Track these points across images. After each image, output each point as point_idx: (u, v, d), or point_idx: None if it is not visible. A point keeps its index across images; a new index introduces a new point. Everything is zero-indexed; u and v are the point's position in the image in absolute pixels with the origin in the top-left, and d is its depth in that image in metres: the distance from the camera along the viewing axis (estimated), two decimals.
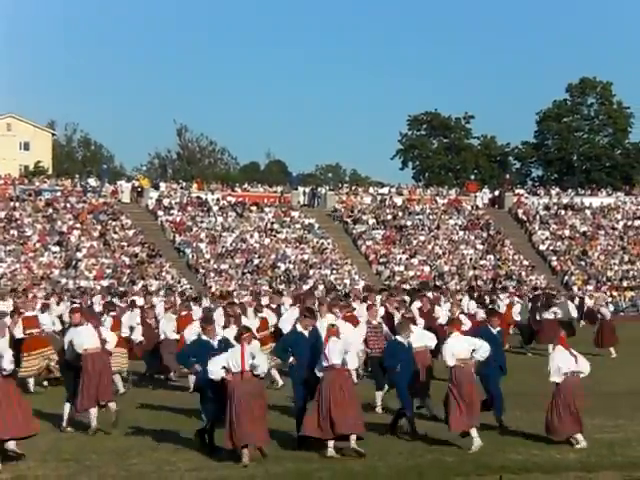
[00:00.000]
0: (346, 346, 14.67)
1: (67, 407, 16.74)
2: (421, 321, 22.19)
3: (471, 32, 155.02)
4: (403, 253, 65.30)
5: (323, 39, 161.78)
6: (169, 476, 13.09)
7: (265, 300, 29.60)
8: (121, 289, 46.55)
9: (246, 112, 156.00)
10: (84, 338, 16.47)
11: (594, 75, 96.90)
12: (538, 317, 31.79)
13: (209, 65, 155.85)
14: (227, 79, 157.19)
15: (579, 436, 14.90)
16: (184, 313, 22.88)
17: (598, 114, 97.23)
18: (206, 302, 31.05)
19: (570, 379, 15.07)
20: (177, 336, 21.93)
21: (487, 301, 33.61)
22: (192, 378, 21.50)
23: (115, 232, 61.38)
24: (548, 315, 31.59)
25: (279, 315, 25.48)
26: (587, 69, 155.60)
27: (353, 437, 14.25)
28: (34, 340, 21.83)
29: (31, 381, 21.63)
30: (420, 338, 17.53)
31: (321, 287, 53.43)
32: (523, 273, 64.57)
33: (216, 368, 14.02)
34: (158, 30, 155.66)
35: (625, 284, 63.62)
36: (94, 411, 16.24)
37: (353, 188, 75.47)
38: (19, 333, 21.59)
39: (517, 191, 75.80)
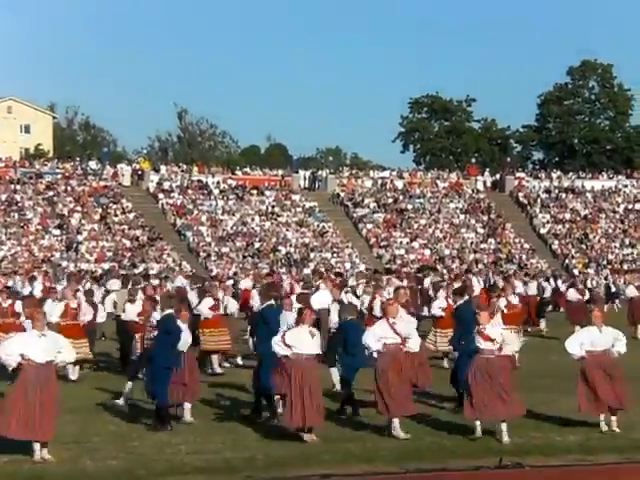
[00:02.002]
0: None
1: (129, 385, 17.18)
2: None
3: (472, 14, 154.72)
4: (404, 237, 65.33)
5: (323, 22, 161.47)
6: (170, 458, 13.14)
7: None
8: (122, 272, 46.62)
9: (247, 95, 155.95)
10: None
11: (595, 57, 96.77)
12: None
13: (209, 48, 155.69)
14: (227, 62, 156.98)
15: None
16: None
17: (599, 97, 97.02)
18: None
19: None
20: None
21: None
22: None
23: (116, 215, 61.43)
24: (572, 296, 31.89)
25: None
26: (588, 51, 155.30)
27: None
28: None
29: (70, 368, 20.24)
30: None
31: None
32: (524, 256, 64.64)
33: (279, 347, 14.25)
34: (158, 13, 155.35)
35: (625, 267, 63.64)
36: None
37: (354, 171, 75.44)
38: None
39: (518, 174, 75.74)
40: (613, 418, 14.86)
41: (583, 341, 14.99)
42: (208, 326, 21.92)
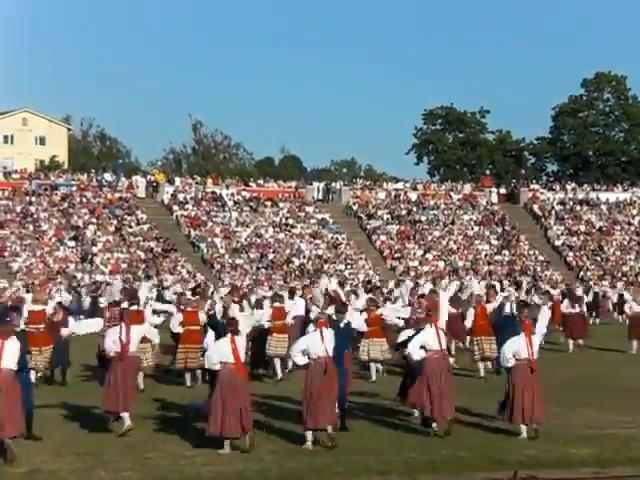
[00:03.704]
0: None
1: None
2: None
3: (487, 27, 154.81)
4: (418, 248, 65.26)
5: (337, 34, 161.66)
6: (185, 470, 13.13)
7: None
8: (138, 283, 46.66)
9: (261, 107, 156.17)
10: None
11: (609, 69, 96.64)
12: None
13: (224, 61, 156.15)
14: (242, 74, 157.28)
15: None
16: (189, 309, 22.39)
17: (613, 109, 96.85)
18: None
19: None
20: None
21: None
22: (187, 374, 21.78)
23: (130, 227, 61.57)
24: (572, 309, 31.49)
25: None
26: (602, 63, 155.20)
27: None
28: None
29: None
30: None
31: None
32: (538, 268, 64.47)
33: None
34: (174, 25, 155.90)
35: None
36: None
37: (368, 183, 75.44)
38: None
39: (532, 186, 75.59)
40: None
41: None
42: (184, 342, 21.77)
